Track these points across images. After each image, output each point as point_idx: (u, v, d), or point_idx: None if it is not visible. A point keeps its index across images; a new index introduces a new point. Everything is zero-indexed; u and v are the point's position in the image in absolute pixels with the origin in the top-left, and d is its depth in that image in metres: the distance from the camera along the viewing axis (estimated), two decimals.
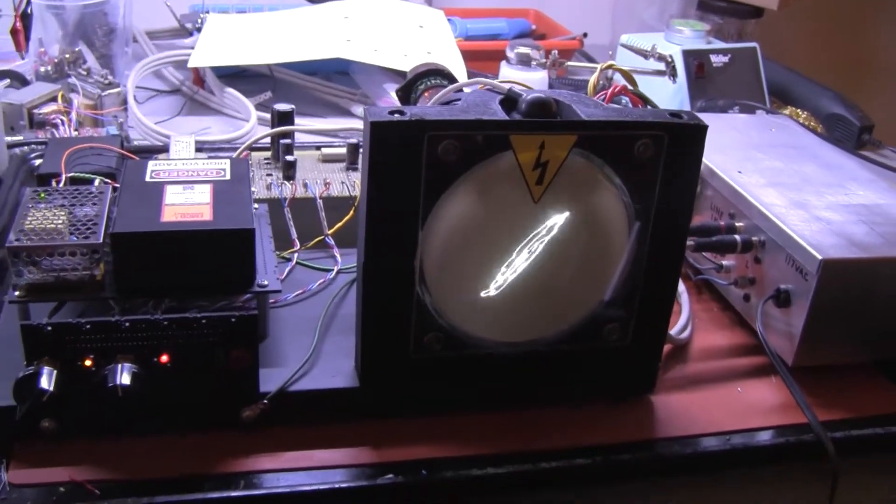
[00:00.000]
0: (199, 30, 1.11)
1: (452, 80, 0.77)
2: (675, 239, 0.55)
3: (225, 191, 0.59)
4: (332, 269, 0.66)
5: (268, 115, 0.81)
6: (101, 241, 0.54)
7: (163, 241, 0.54)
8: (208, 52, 1.01)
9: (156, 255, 0.54)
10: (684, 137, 0.52)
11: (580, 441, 0.55)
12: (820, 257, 0.58)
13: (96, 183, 0.62)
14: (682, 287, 0.70)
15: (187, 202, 0.57)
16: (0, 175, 0.79)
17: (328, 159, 0.75)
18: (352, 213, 0.68)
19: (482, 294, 0.53)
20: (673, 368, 0.63)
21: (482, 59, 1.12)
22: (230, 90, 1.00)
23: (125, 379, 0.50)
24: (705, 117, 0.53)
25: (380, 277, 0.52)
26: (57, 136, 0.85)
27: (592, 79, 0.72)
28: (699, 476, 0.58)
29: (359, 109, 1.03)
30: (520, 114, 0.51)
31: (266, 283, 0.56)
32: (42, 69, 0.96)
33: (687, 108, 1.01)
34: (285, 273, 0.65)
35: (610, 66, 0.74)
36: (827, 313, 0.60)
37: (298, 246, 0.67)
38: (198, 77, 1.05)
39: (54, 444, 0.52)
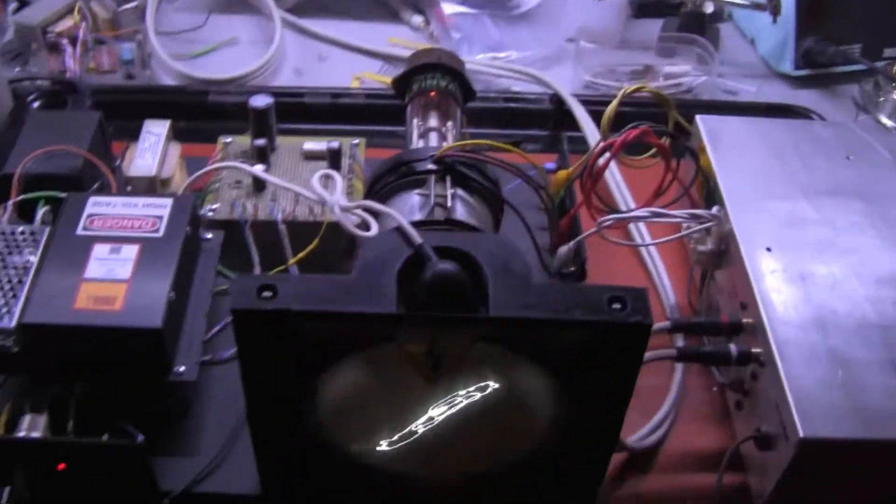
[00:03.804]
0: None
1: (454, 74, 0.66)
2: (605, 434, 0.47)
3: (150, 258, 0.55)
4: None
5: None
6: (12, 325, 0.52)
7: (69, 334, 0.52)
8: None
9: (64, 345, 0.52)
10: (620, 338, 0.42)
11: None
12: (801, 434, 0.49)
13: (40, 214, 0.59)
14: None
15: (106, 277, 0.54)
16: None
17: (311, 156, 0.68)
18: (316, 241, 0.62)
19: (383, 448, 0.49)
20: (627, 481, 0.56)
21: None
22: None
23: None
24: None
25: (268, 434, 0.48)
26: (65, 63, 0.80)
27: (609, 110, 0.60)
28: None
29: (409, 16, 0.90)
30: (421, 287, 0.43)
31: (182, 369, 0.54)
32: None
33: (791, 49, 0.83)
34: None
35: (639, 89, 0.61)
36: (804, 485, 0.51)
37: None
38: None
39: None
